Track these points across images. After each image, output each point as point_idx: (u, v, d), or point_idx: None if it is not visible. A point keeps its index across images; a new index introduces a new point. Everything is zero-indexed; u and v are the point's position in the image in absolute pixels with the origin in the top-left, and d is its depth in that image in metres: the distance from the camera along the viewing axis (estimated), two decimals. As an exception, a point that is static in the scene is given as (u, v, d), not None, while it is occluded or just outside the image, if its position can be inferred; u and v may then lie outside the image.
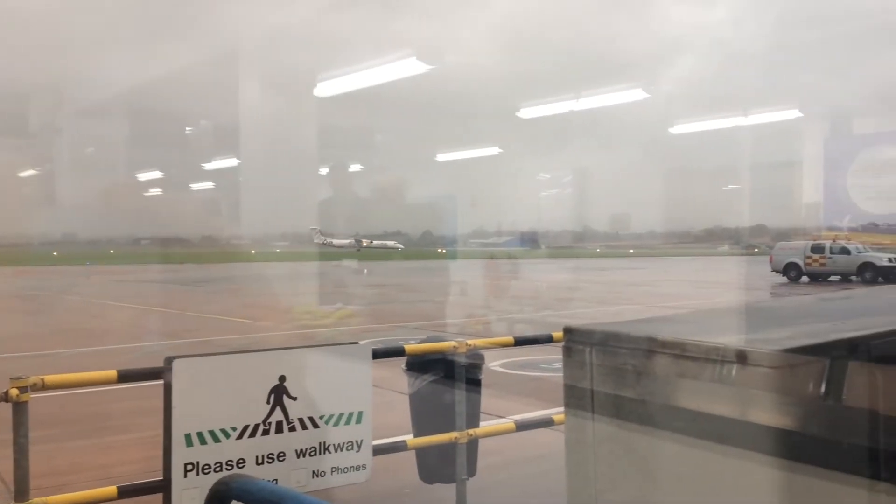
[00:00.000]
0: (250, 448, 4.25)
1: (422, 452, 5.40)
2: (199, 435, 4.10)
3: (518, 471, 6.43)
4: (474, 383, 5.48)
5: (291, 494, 1.63)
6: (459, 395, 5.28)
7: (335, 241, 58.02)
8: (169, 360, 4.06)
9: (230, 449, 4.19)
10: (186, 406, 4.09)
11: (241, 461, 4.21)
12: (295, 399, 4.39)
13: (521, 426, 5.96)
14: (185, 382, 4.08)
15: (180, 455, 4.05)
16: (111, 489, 3.98)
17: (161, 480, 4.09)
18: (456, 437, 5.19)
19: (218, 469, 4.12)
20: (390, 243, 62.38)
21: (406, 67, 9.12)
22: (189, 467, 4.07)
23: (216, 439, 4.14)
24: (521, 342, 6.29)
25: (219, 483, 1.81)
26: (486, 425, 5.77)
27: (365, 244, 59.98)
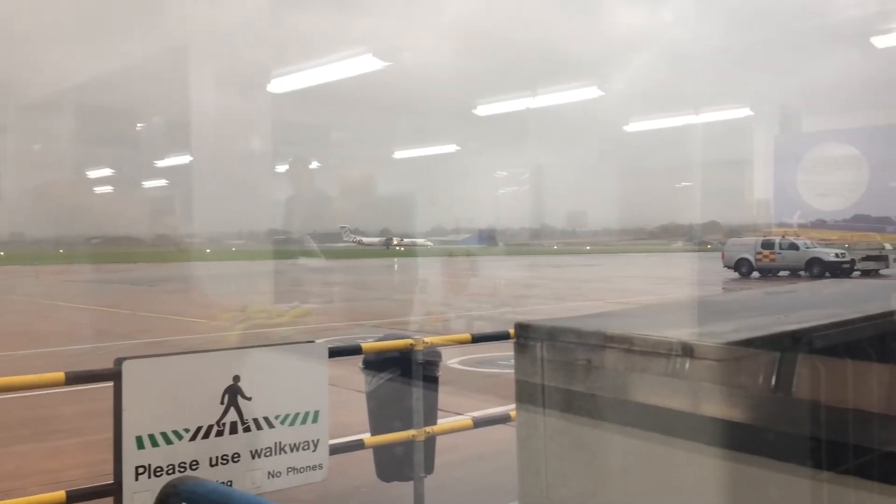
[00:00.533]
0: (204, 450, 4.19)
1: (379, 451, 5.39)
2: (151, 437, 4.03)
3: (475, 468, 6.46)
4: (432, 381, 5.48)
5: (240, 496, 1.61)
6: (417, 392, 5.28)
7: (364, 240, 57.90)
8: (119, 362, 3.99)
9: (183, 451, 4.12)
10: (137, 408, 4.02)
11: (194, 463, 4.15)
12: (249, 399, 4.35)
13: (479, 423, 5.98)
14: (135, 384, 4.01)
15: (131, 458, 3.98)
16: (60, 494, 3.89)
17: (111, 484, 4.01)
18: (413, 435, 5.19)
19: (170, 471, 4.06)
20: (419, 241, 61.94)
21: (362, 64, 9.07)
22: (140, 470, 4.00)
23: (168, 441, 4.08)
24: (478, 339, 6.30)
25: (167, 486, 1.78)
26: (443, 422, 5.78)
27: (395, 242, 59.74)
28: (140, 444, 4.00)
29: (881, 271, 32.48)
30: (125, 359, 4.01)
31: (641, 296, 23.72)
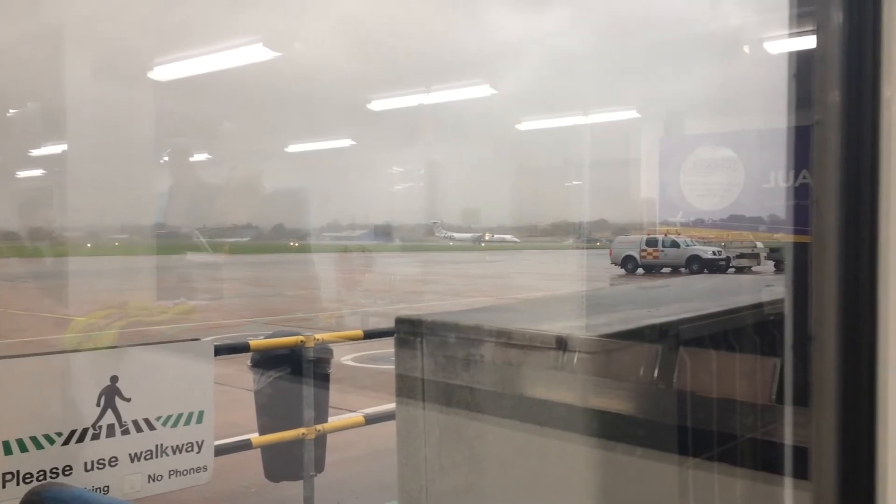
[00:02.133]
0: (78, 454, 3.99)
1: (267, 450, 5.29)
2: (20, 442, 3.81)
3: (366, 465, 6.44)
4: (322, 378, 5.43)
5: (105, 501, 1.54)
6: (307, 390, 5.22)
7: (456, 235, 57.49)
8: (-18, 363, 3.75)
9: (55, 456, 3.92)
10: (4, 411, 3.79)
11: (67, 469, 3.95)
12: (128, 400, 4.17)
13: (370, 419, 5.97)
14: (2, 385, 3.78)
15: (-3, 464, 3.75)
16: (-86, 507, 3.63)
17: (-25, 493, 3.77)
18: (303, 433, 5.12)
19: (41, 477, 3.86)
20: (508, 237, 62.18)
21: (252, 53, 8.85)
22: (8, 477, 3.78)
23: (39, 446, 3.86)
24: (370, 335, 6.28)
25: (30, 493, 1.69)
26: (334, 420, 5.74)
27: (487, 238, 59.60)
28: (7, 450, 3.77)
29: (753, 268, 34.47)
30: (-10, 360, 3.77)
31: (534, 291, 24.32)
